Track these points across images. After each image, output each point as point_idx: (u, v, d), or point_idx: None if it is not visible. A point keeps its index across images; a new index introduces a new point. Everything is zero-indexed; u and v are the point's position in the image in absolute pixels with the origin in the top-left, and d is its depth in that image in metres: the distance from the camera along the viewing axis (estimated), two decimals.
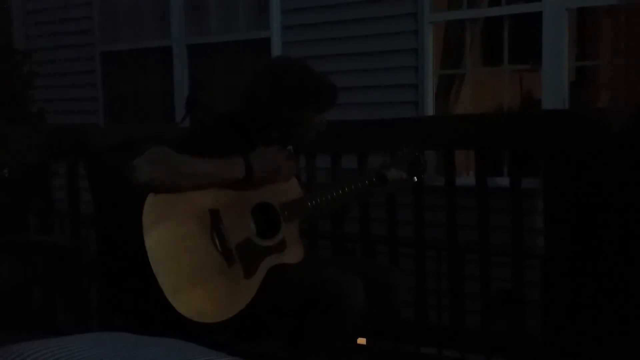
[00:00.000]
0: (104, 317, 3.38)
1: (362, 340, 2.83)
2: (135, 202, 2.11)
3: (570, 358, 2.75)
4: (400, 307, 2.63)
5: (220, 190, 2.19)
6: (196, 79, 6.16)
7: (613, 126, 2.73)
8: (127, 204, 2.32)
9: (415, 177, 2.51)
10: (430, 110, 5.10)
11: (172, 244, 2.11)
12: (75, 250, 3.39)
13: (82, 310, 3.36)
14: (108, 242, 3.01)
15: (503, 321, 3.12)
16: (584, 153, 2.69)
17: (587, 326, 2.71)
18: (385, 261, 3.24)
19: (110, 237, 2.79)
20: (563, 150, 2.73)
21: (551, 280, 2.87)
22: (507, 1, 5.00)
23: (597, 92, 5.93)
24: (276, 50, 5.59)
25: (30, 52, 6.38)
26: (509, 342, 2.99)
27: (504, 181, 3.80)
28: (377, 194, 2.57)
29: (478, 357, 3.31)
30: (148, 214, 2.08)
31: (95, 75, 6.61)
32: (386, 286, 2.32)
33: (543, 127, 2.84)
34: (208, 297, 2.13)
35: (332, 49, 5.34)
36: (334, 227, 3.31)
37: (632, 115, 2.87)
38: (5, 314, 3.43)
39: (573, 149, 2.71)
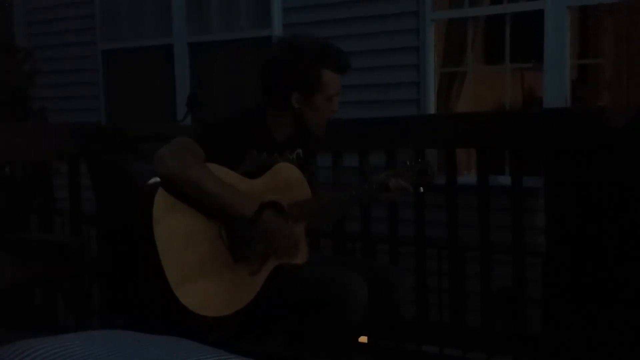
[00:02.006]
0: (105, 316, 3.38)
1: (363, 339, 2.84)
2: (144, 195, 2.12)
3: (571, 356, 2.75)
4: (401, 306, 2.63)
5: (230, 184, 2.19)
6: (198, 77, 6.16)
7: (615, 124, 2.73)
8: (130, 201, 2.33)
9: (421, 188, 2.51)
10: (431, 109, 5.09)
11: (180, 236, 2.12)
12: (77, 248, 3.39)
13: (84, 309, 3.36)
14: (110, 239, 3.01)
15: (504, 319, 3.12)
16: (586, 151, 2.69)
17: (588, 324, 2.71)
18: (386, 260, 3.24)
19: (113, 233, 2.79)
20: (564, 149, 2.72)
21: (552, 279, 2.87)
22: None
23: (599, 90, 5.93)
24: None
25: (31, 50, 6.37)
26: (510, 341, 2.99)
27: (505, 180, 3.80)
28: (382, 202, 2.56)
29: (479, 356, 3.32)
30: (159, 206, 2.09)
31: (97, 74, 6.61)
32: (387, 285, 2.32)
33: (545, 126, 2.84)
34: (212, 290, 2.13)
35: None
36: (335, 227, 3.31)
37: (633, 113, 2.87)
38: (7, 312, 3.43)
39: (574, 147, 2.70)
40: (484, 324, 3.05)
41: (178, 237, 2.11)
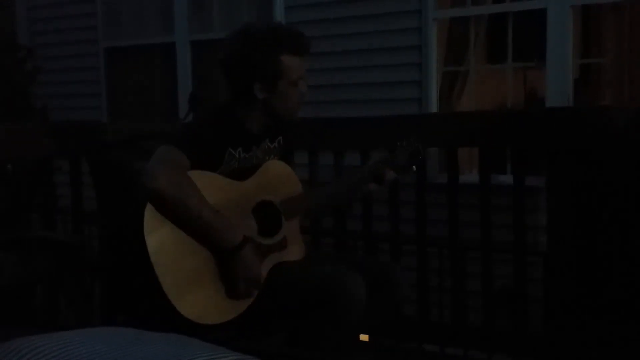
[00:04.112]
0: (106, 314, 3.38)
1: (364, 338, 2.83)
2: (139, 202, 2.11)
3: (572, 355, 2.75)
4: (401, 304, 2.63)
5: (220, 190, 2.18)
6: (199, 75, 6.16)
7: (617, 124, 2.72)
8: (131, 201, 2.33)
9: (414, 167, 2.49)
10: (433, 108, 5.09)
11: (174, 245, 2.11)
12: (78, 246, 3.39)
13: (85, 307, 3.36)
14: (111, 240, 3.01)
15: (505, 318, 3.12)
16: (588, 151, 2.69)
17: (589, 324, 2.71)
18: (387, 258, 3.23)
19: (114, 234, 2.79)
20: (566, 148, 2.72)
21: (553, 278, 2.87)
22: None
23: (601, 89, 5.92)
24: None
25: (33, 48, 6.38)
26: (511, 340, 2.98)
27: (507, 179, 3.79)
28: (381, 186, 2.53)
29: (480, 355, 3.31)
30: (150, 217, 2.08)
31: (99, 72, 6.62)
32: (388, 283, 2.32)
33: (547, 125, 2.83)
34: (210, 299, 2.13)
35: (335, 45, 5.34)
36: (336, 225, 3.31)
37: (636, 112, 2.87)
38: (8, 310, 3.43)
39: (576, 146, 2.70)
40: (485, 323, 3.05)
41: (171, 248, 2.10)
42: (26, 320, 3.49)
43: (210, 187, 2.15)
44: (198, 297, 2.10)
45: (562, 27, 4.59)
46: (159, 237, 2.08)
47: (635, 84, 5.43)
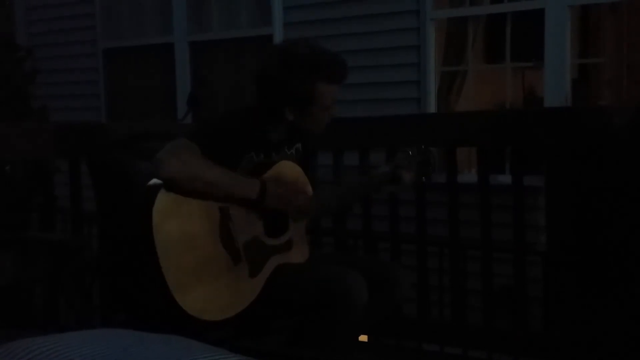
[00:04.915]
0: (106, 315, 3.38)
1: (364, 337, 2.84)
2: (144, 198, 2.11)
3: (571, 354, 2.75)
4: (402, 304, 2.63)
5: None
6: (198, 76, 6.15)
7: (615, 123, 2.73)
8: (131, 201, 2.33)
9: (423, 177, 2.50)
10: (432, 108, 5.09)
11: (181, 240, 2.11)
12: (78, 247, 3.39)
13: (85, 308, 3.36)
14: (110, 239, 3.01)
15: (505, 318, 3.12)
16: (586, 150, 2.69)
17: (588, 323, 2.71)
18: (387, 258, 3.24)
19: (113, 233, 2.79)
20: (565, 148, 2.72)
21: (553, 277, 2.87)
22: None
23: (600, 89, 5.92)
24: None
25: (32, 49, 6.37)
26: (511, 339, 2.99)
27: (506, 178, 3.80)
28: (383, 192, 2.55)
29: (480, 354, 3.32)
30: (159, 210, 2.08)
31: (98, 72, 6.61)
32: (388, 283, 2.32)
33: (545, 125, 2.84)
34: (212, 295, 2.13)
35: (334, 45, 5.28)
36: (336, 224, 3.31)
37: (634, 112, 2.87)
38: (8, 311, 3.43)
39: (575, 146, 2.70)
40: (484, 323, 3.05)
41: (178, 242, 2.10)
42: (26, 321, 3.49)
43: None
44: (200, 292, 2.10)
45: (560, 27, 4.60)
46: (166, 230, 2.08)
47: (633, 84, 5.43)
